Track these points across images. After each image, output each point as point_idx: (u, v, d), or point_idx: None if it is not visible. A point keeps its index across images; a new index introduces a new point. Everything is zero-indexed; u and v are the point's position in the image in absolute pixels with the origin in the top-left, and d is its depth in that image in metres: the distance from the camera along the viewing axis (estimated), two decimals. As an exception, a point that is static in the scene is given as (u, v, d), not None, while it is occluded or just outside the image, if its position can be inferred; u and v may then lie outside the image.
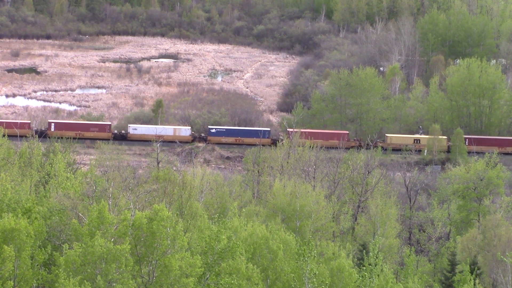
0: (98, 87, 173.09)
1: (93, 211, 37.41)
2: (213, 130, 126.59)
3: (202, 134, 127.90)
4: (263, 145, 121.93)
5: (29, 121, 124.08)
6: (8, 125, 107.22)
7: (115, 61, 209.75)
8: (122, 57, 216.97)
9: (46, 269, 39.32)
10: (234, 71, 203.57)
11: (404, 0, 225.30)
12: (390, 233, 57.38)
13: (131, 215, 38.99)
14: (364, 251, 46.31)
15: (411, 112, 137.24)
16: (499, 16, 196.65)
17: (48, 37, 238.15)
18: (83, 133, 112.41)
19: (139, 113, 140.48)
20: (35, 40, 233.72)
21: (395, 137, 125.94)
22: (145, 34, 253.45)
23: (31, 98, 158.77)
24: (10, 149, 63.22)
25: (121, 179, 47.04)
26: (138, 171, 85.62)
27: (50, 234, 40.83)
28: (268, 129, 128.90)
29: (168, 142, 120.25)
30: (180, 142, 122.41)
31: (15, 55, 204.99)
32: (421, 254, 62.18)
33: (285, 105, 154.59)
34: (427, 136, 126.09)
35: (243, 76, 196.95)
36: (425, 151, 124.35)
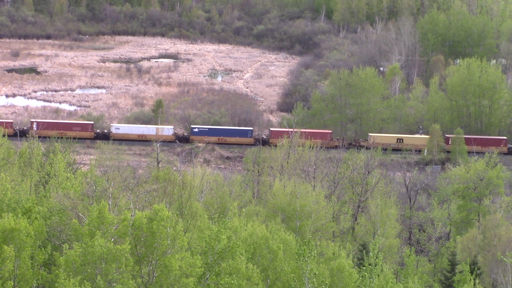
0: (98, 87, 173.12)
1: (93, 211, 37.40)
2: (196, 130, 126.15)
3: (185, 134, 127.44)
4: (246, 145, 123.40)
5: (12, 121, 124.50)
6: None
7: (115, 61, 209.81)
8: (122, 57, 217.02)
9: (46, 269, 39.32)
10: (234, 71, 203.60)
11: (404, 0, 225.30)
12: (390, 233, 57.38)
13: (131, 215, 38.97)
14: (364, 251, 46.30)
15: (411, 112, 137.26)
16: (499, 16, 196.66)
17: (48, 37, 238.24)
18: (65, 133, 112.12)
19: (139, 113, 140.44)
20: (35, 40, 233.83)
21: (378, 137, 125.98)
22: (145, 34, 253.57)
23: (31, 98, 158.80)
24: (10, 149, 63.20)
25: (121, 179, 47.04)
26: (138, 171, 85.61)
27: (50, 234, 40.82)
28: (251, 128, 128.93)
29: (150, 142, 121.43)
30: (163, 141, 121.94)
31: (15, 55, 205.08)
32: (421, 254, 62.14)
33: (285, 105, 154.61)
34: (410, 136, 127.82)
35: (243, 76, 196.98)
36: (425, 151, 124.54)
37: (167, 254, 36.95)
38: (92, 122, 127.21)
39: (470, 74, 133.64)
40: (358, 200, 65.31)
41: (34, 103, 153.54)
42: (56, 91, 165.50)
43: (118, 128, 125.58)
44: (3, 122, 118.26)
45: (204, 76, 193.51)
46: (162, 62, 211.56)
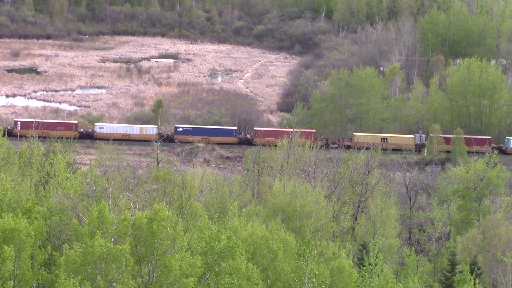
0: (98, 87, 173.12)
1: (93, 211, 37.39)
2: (180, 129, 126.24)
3: (169, 133, 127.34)
4: (230, 144, 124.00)
5: None
6: None
7: (115, 61, 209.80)
8: (122, 57, 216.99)
9: (46, 269, 39.31)
10: (234, 71, 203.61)
11: (404, 0, 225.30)
12: (390, 233, 57.38)
13: (131, 215, 38.98)
14: (364, 251, 46.31)
15: (411, 112, 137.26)
16: (499, 16, 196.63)
17: (48, 37, 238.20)
18: (49, 132, 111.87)
19: (139, 113, 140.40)
20: (35, 40, 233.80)
21: (362, 136, 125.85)
22: (145, 34, 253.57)
23: (31, 98, 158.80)
24: (10, 149, 63.19)
25: (121, 179, 47.02)
26: (138, 171, 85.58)
27: (50, 234, 40.81)
28: (235, 127, 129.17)
29: (134, 141, 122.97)
30: (147, 141, 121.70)
31: (15, 55, 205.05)
32: (421, 254, 62.13)
33: (285, 105, 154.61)
34: (394, 135, 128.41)
35: (243, 76, 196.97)
36: (425, 151, 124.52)
37: (167, 254, 36.94)
38: (76, 122, 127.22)
39: (470, 74, 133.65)
40: (358, 200, 65.31)
41: (34, 103, 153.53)
42: (56, 91, 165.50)
43: (102, 128, 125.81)
44: None
45: (204, 76, 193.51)
46: (162, 62, 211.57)
